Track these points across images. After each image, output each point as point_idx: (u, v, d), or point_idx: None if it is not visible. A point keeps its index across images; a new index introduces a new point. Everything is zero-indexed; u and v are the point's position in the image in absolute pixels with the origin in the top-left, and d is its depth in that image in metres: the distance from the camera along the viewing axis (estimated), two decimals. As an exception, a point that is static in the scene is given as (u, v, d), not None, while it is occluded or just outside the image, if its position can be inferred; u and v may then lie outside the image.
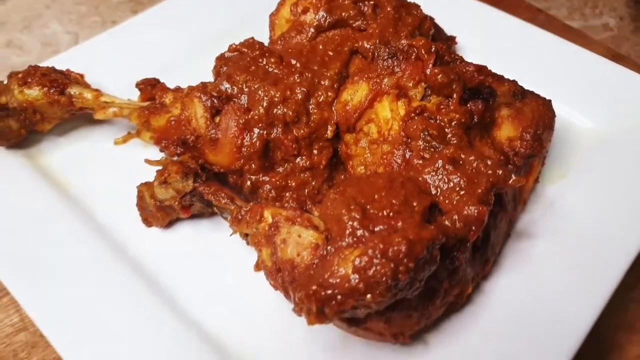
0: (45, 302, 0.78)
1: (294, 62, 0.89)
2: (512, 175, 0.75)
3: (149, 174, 0.90)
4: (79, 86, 0.96)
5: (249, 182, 0.87)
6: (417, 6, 1.03)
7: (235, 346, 0.76)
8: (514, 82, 0.89)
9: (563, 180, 0.93)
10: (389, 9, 0.98)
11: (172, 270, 0.84)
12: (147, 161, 0.89)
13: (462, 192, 0.73)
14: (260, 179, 0.87)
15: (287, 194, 0.83)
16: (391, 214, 0.69)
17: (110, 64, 1.12)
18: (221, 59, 0.91)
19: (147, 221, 0.88)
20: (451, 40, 1.11)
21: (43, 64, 1.04)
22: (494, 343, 0.74)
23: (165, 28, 1.19)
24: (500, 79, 0.88)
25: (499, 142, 0.86)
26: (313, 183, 0.87)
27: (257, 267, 0.82)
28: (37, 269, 0.81)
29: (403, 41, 0.85)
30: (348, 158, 0.88)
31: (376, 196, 0.71)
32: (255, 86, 0.85)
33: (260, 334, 0.78)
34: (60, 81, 0.95)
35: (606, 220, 0.85)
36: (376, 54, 0.86)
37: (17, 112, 0.94)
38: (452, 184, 0.74)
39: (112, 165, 0.99)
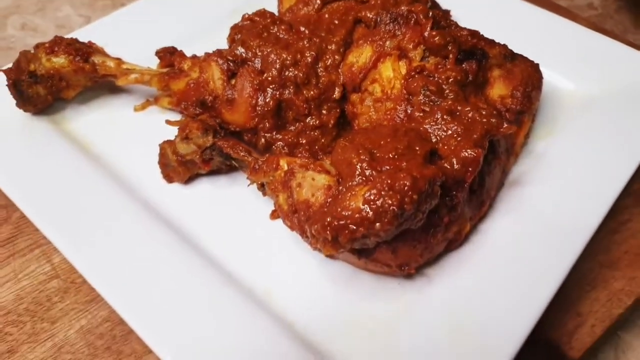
0: (81, 250, 0.84)
1: (302, 29, 0.97)
2: (504, 123, 0.83)
3: (167, 136, 0.97)
4: (102, 55, 1.03)
5: (263, 140, 0.94)
6: (414, -19, 1.11)
7: (254, 283, 0.84)
8: (504, 45, 0.97)
9: (550, 137, 1.01)
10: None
11: (194, 221, 0.91)
12: (168, 122, 0.97)
13: (459, 139, 0.81)
14: (274, 136, 0.94)
15: (299, 149, 0.91)
16: (396, 156, 0.77)
17: (127, 39, 1.19)
18: (235, 28, 0.99)
19: (169, 177, 0.95)
20: (446, 14, 1.19)
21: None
22: (490, 276, 0.82)
23: (180, 5, 1.26)
24: (491, 42, 0.96)
25: (491, 99, 0.94)
26: (323, 140, 0.95)
27: (273, 215, 0.90)
28: (70, 220, 0.88)
29: (403, 7, 0.93)
30: (354, 117, 0.96)
31: (382, 142, 0.79)
32: (268, 50, 0.93)
33: (277, 272, 0.85)
34: (84, 50, 1.02)
35: (588, 170, 0.93)
36: (378, 19, 0.94)
37: (45, 79, 1.00)
38: (450, 132, 0.82)
39: (132, 130, 1.06)
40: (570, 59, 1.13)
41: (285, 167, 0.83)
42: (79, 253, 0.83)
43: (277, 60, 0.92)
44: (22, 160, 0.96)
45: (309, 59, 0.92)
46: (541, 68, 1.02)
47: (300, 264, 0.86)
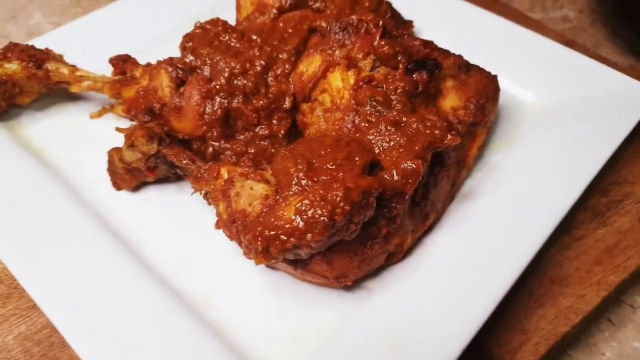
0: (22, 257, 0.83)
1: (254, 37, 0.96)
2: (449, 135, 0.82)
3: (121, 143, 0.96)
4: (56, 62, 1.03)
5: (211, 149, 0.93)
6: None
7: (193, 290, 0.83)
8: (460, 56, 0.96)
9: (506, 149, 1.00)
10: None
11: (138, 229, 0.90)
12: (117, 129, 0.96)
13: (401, 150, 0.80)
14: (222, 145, 0.93)
15: (243, 157, 0.90)
16: (334, 166, 0.75)
17: (87, 47, 1.18)
18: (187, 36, 0.98)
19: (117, 184, 0.94)
20: (408, 24, 1.19)
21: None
22: (431, 290, 0.80)
23: (140, 14, 1.26)
24: (446, 53, 0.95)
25: (444, 111, 0.93)
26: (272, 150, 0.94)
27: (217, 224, 0.89)
28: (15, 227, 0.87)
29: (353, 16, 0.92)
30: (305, 127, 0.95)
31: (322, 152, 0.78)
32: (217, 58, 0.92)
33: (217, 280, 0.84)
34: (38, 56, 1.01)
35: (540, 183, 0.91)
36: (328, 28, 0.93)
37: (-3, 84, 1.00)
38: (392, 143, 0.81)
39: (87, 137, 1.05)
40: (532, 71, 1.12)
41: (226, 176, 0.82)
42: (16, 257, 0.82)
43: (226, 69, 0.91)
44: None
45: (259, 68, 0.91)
46: (502, 79, 1.01)
47: (241, 272, 0.85)
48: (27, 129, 1.06)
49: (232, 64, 0.91)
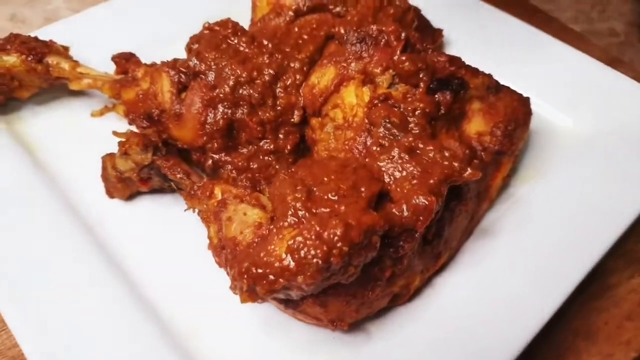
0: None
1: (265, 42, 0.88)
2: (468, 169, 0.73)
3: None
4: (58, 56, 0.97)
5: (210, 161, 0.86)
6: (401, -6, 1.02)
7: (180, 320, 0.76)
8: (489, 75, 0.86)
9: (534, 180, 0.90)
10: (368, -1, 0.96)
11: (127, 244, 0.84)
12: (115, 133, 0.89)
13: (414, 182, 0.71)
14: (222, 158, 0.86)
15: (241, 176, 0.82)
16: (336, 197, 0.67)
17: (98, 38, 1.13)
18: (194, 37, 0.91)
19: (110, 192, 0.88)
20: (437, 33, 1.09)
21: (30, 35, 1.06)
22: (438, 338, 0.72)
23: (154, 6, 1.20)
24: (474, 71, 0.86)
25: (467, 135, 0.83)
26: (277, 167, 0.86)
27: (209, 246, 0.82)
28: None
29: (373, 26, 0.83)
30: (313, 143, 0.87)
31: (325, 179, 0.70)
32: (223, 64, 0.85)
33: (206, 311, 0.77)
34: (38, 50, 0.95)
35: (571, 222, 0.82)
36: (345, 37, 0.84)
37: (-5, 77, 0.95)
38: (405, 173, 0.73)
39: (86, 136, 0.99)
40: (570, 92, 1.01)
41: (219, 196, 0.75)
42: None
43: (232, 76, 0.84)
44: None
45: (267, 78, 0.84)
46: (535, 100, 0.91)
47: (232, 302, 0.77)
48: (25, 124, 1.01)
49: (239, 72, 0.83)
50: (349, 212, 0.65)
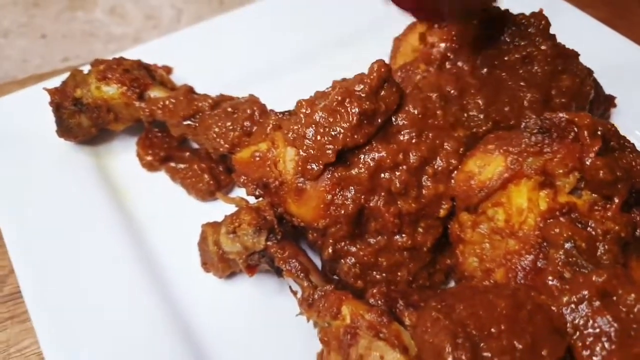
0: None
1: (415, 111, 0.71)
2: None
3: (221, 208, 0.77)
4: (161, 89, 0.84)
5: (331, 249, 0.71)
6: (577, 56, 0.82)
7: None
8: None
9: None
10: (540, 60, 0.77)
11: (221, 328, 0.71)
12: (220, 196, 0.76)
13: (607, 345, 0.54)
14: (345, 247, 0.71)
15: (374, 290, 0.64)
16: (511, 361, 0.51)
17: (200, 60, 1.00)
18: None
19: (206, 266, 0.75)
20: (610, 101, 0.89)
21: (132, 51, 0.94)
22: None
23: (264, 27, 1.06)
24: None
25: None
26: (410, 266, 0.70)
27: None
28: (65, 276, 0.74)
29: (562, 114, 0.65)
30: (459, 241, 0.70)
31: (493, 330, 0.54)
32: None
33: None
34: (141, 81, 0.83)
35: None
36: (523, 124, 0.67)
37: (91, 109, 0.83)
38: (596, 330, 0.55)
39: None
40: None
41: (348, 320, 0.60)
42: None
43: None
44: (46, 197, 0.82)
45: (415, 163, 0.67)
46: None
47: None
48: (114, 159, 0.89)
49: (384, 154, 0.67)
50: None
